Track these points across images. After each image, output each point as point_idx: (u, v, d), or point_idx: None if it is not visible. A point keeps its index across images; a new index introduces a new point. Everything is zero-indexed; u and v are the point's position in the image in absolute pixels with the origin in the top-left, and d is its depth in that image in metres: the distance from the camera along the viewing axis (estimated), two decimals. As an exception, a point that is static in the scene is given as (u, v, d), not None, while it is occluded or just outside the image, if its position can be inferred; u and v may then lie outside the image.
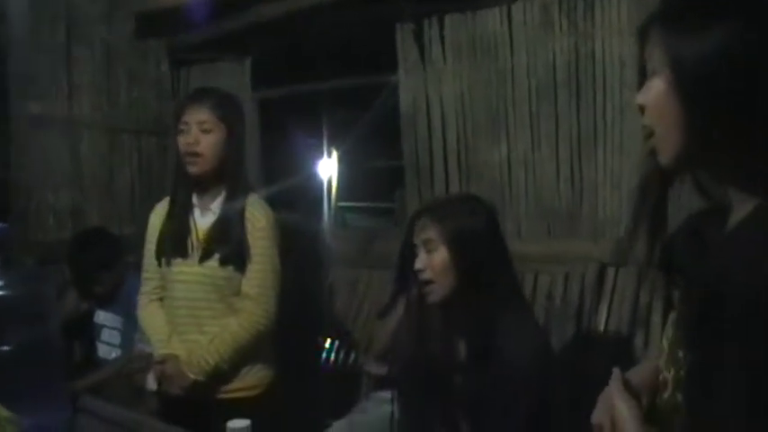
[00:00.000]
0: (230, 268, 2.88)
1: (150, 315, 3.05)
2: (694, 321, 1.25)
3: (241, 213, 2.91)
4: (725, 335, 1.15)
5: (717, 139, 1.20)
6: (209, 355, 2.84)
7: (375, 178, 6.68)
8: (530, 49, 3.77)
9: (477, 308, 2.39)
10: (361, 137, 5.46)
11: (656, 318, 3.37)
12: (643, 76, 1.31)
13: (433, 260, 2.43)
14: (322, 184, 5.45)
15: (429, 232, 2.44)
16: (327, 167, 5.58)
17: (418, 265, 2.45)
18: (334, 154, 5.64)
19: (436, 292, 2.44)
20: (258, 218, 2.91)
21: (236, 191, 2.95)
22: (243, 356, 2.89)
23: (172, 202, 3.06)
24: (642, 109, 1.29)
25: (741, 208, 1.23)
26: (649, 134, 1.29)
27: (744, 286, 1.12)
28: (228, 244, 2.89)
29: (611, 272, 3.54)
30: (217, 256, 2.89)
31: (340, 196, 5.84)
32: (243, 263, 2.89)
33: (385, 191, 6.67)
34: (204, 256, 2.91)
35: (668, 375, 1.33)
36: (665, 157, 1.27)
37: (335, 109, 5.70)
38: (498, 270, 2.46)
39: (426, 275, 2.44)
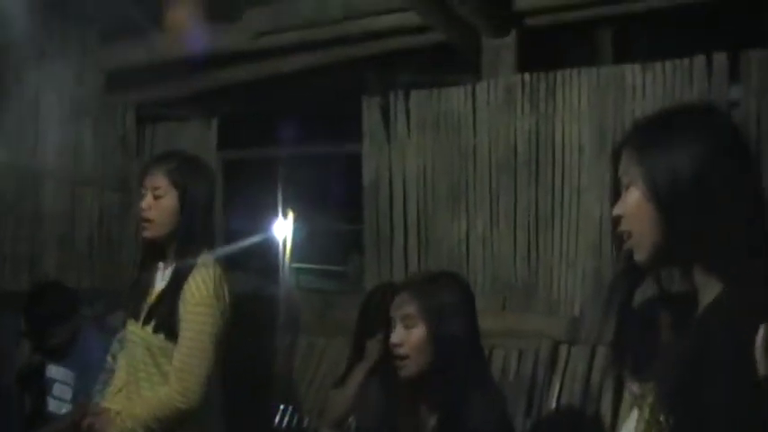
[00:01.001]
0: (161, 336, 2.86)
1: (116, 366, 3.11)
2: (674, 390, 1.40)
3: (180, 284, 2.88)
4: (701, 403, 1.32)
5: (687, 238, 1.43)
6: (129, 419, 2.81)
7: (329, 241, 6.73)
8: (492, 128, 3.87)
9: (450, 385, 2.43)
10: (318, 200, 5.53)
11: (608, 395, 3.43)
12: (615, 193, 1.54)
13: (411, 336, 2.45)
14: (278, 244, 5.48)
15: (408, 308, 2.47)
16: (283, 228, 5.62)
17: (395, 339, 2.48)
18: (290, 215, 5.68)
19: (410, 368, 2.46)
20: (193, 291, 2.82)
21: (183, 258, 2.93)
22: (167, 428, 2.84)
23: (140, 264, 3.08)
24: (618, 219, 1.52)
25: (707, 293, 1.43)
26: (627, 238, 1.51)
27: (717, 360, 1.31)
28: (161, 313, 2.88)
29: (563, 349, 3.61)
30: (153, 322, 2.89)
31: (293, 257, 5.86)
32: (173, 334, 2.85)
33: (338, 254, 6.72)
34: (146, 321, 2.91)
35: None
36: (643, 256, 1.48)
37: (294, 171, 5.76)
38: (471, 348, 2.51)
39: (402, 350, 2.46)
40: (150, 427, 2.79)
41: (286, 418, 4.19)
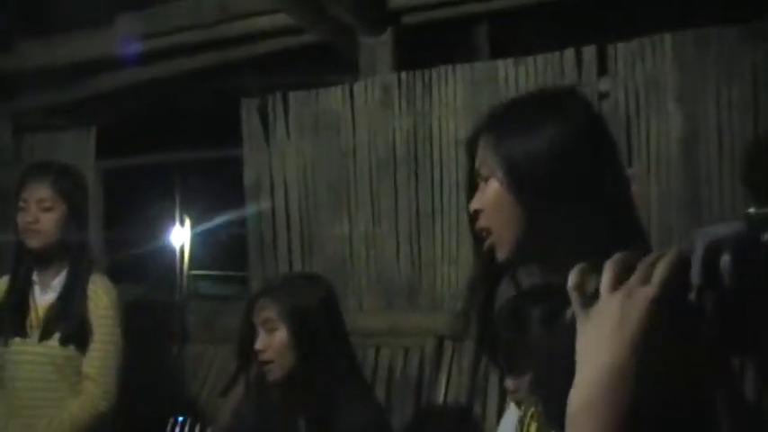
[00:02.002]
0: (71, 348, 2.82)
1: None
2: (547, 384, 1.36)
3: (83, 292, 2.86)
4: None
5: (549, 232, 1.33)
6: None
7: (227, 246, 6.65)
8: (371, 127, 3.87)
9: (316, 386, 2.43)
10: (213, 206, 5.45)
11: (494, 389, 3.47)
12: (472, 186, 1.43)
13: (273, 340, 2.46)
14: (174, 252, 5.39)
15: (268, 312, 2.48)
16: (180, 236, 5.53)
17: (258, 345, 2.48)
18: (187, 222, 5.59)
19: (275, 372, 2.47)
20: (101, 296, 2.87)
21: (79, 268, 2.91)
22: None
23: (12, 279, 2.99)
24: (477, 214, 1.40)
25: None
26: (487, 234, 1.39)
27: None
28: (70, 323, 2.83)
29: (449, 344, 3.63)
30: (57, 335, 2.83)
31: (192, 265, 5.77)
32: (84, 342, 2.83)
33: (237, 259, 6.64)
34: (44, 335, 2.84)
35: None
36: (504, 252, 1.38)
37: (187, 177, 5.67)
38: (337, 348, 2.51)
39: (267, 356, 2.47)
40: None
41: (178, 428, 4.12)
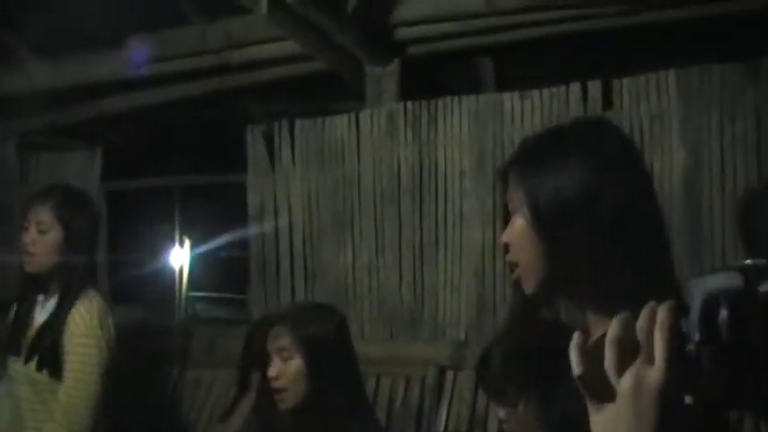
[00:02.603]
0: (45, 372, 2.81)
1: None
2: None
3: (65, 317, 2.85)
4: None
5: (573, 269, 1.31)
6: None
7: (226, 269, 6.65)
8: (375, 156, 3.89)
9: (328, 415, 2.43)
10: (214, 227, 5.46)
11: (494, 420, 3.46)
12: (507, 217, 1.41)
13: (288, 368, 2.46)
14: (174, 274, 5.39)
15: (283, 340, 2.47)
16: (179, 257, 5.53)
17: (272, 372, 2.48)
18: (186, 244, 5.60)
19: (288, 400, 2.47)
20: (78, 323, 2.83)
21: (67, 293, 2.90)
22: None
23: (17, 297, 3.01)
24: (507, 246, 1.39)
25: (597, 329, 1.29)
26: (514, 268, 1.39)
27: None
28: (44, 348, 2.83)
29: (450, 375, 3.63)
30: (36, 358, 2.83)
31: (191, 286, 5.78)
32: (57, 369, 2.81)
33: (237, 282, 6.65)
34: (28, 357, 2.85)
35: None
36: (529, 287, 1.36)
37: (188, 199, 5.68)
38: (349, 378, 2.52)
39: (280, 383, 2.46)
40: None
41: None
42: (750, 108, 3.28)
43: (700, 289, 0.90)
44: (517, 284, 1.41)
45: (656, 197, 1.41)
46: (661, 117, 3.42)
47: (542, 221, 1.32)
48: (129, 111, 4.60)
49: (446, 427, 3.57)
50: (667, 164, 3.39)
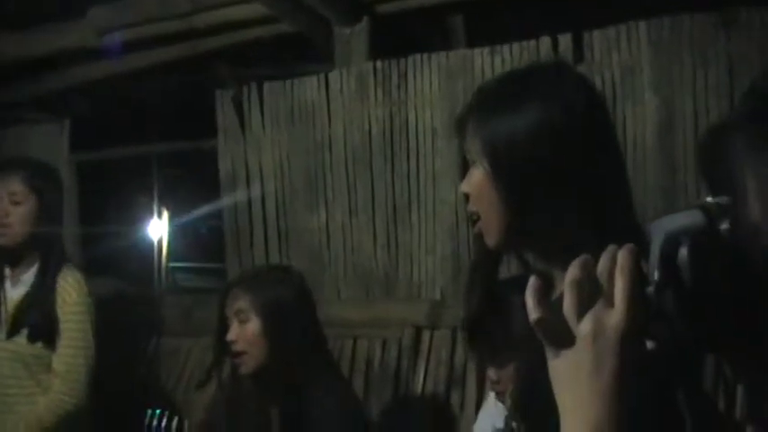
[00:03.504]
0: (39, 345, 2.80)
1: None
2: (523, 396, 1.34)
3: (52, 287, 2.84)
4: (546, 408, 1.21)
5: (534, 219, 1.28)
6: None
7: (205, 238, 6.63)
8: (346, 117, 3.85)
9: (290, 377, 2.42)
10: (191, 197, 5.43)
11: (472, 378, 3.47)
12: (465, 167, 1.38)
13: (246, 331, 2.45)
14: (153, 244, 5.36)
15: (240, 303, 2.46)
16: (158, 228, 5.50)
17: (230, 336, 2.47)
18: (165, 214, 5.56)
19: (248, 363, 2.46)
20: (69, 291, 2.84)
21: (49, 263, 2.89)
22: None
23: None
24: (467, 197, 1.36)
25: (560, 285, 1.26)
26: (476, 219, 1.36)
27: None
28: (37, 319, 2.81)
29: (426, 334, 3.62)
30: (25, 331, 2.81)
31: (171, 256, 5.75)
32: (52, 339, 2.80)
33: (216, 251, 6.63)
34: (12, 331, 2.82)
35: None
36: (491, 238, 1.34)
37: (165, 169, 5.63)
38: (310, 339, 2.50)
39: (239, 347, 2.45)
40: None
41: (155, 421, 4.10)
42: (722, 57, 3.25)
43: (660, 228, 0.88)
44: (479, 236, 1.38)
45: (616, 142, 1.38)
46: (632, 68, 3.39)
47: (500, 169, 1.29)
48: (96, 80, 4.53)
49: (424, 386, 3.56)
50: (640, 115, 3.37)
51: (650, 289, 0.86)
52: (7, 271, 2.97)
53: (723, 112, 3.25)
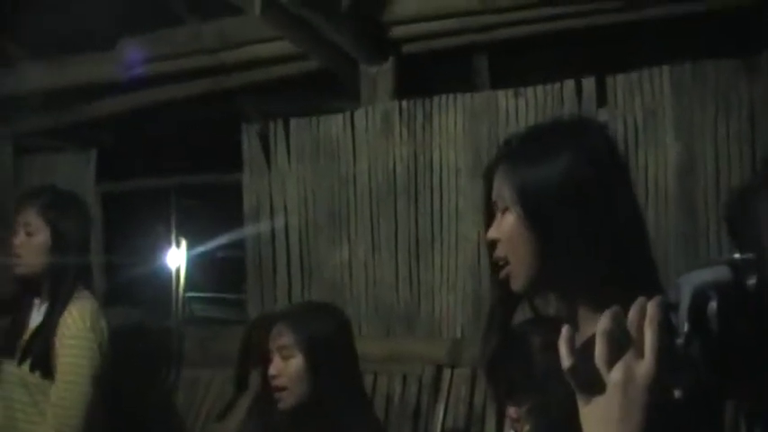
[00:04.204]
0: (38, 374, 2.81)
1: None
2: (551, 426, 1.34)
3: (56, 319, 2.84)
4: None
5: (565, 264, 1.33)
6: None
7: (224, 269, 6.64)
8: (371, 154, 3.90)
9: (328, 415, 2.42)
10: (210, 228, 5.46)
11: (491, 416, 3.47)
12: (489, 215, 1.43)
13: (289, 367, 2.44)
14: (170, 274, 5.38)
15: (285, 339, 2.46)
16: (176, 258, 5.53)
17: (273, 371, 2.47)
18: (183, 244, 5.59)
19: (288, 399, 2.46)
20: (69, 326, 2.82)
21: (57, 294, 2.89)
22: None
23: (13, 300, 3.00)
24: (493, 243, 1.40)
25: (587, 328, 1.32)
26: (503, 264, 1.40)
27: None
28: (36, 350, 2.83)
29: (447, 372, 3.64)
30: (29, 360, 2.83)
31: (188, 287, 5.77)
32: (49, 371, 2.81)
33: (233, 282, 6.65)
34: (21, 359, 2.85)
35: None
36: (519, 282, 1.38)
37: (184, 200, 5.68)
38: (350, 378, 2.51)
39: (280, 382, 2.46)
40: None
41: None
42: (744, 103, 3.29)
43: (689, 283, 0.91)
44: (503, 282, 1.42)
45: (634, 193, 1.45)
46: (655, 113, 3.43)
47: (534, 215, 1.34)
48: (123, 112, 4.60)
49: (443, 424, 3.57)
50: (662, 159, 3.40)
51: (680, 341, 0.90)
52: (36, 300, 3.00)
53: (744, 158, 3.28)
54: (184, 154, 4.72)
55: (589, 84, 3.52)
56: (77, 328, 2.81)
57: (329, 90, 4.25)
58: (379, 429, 2.64)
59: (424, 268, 3.77)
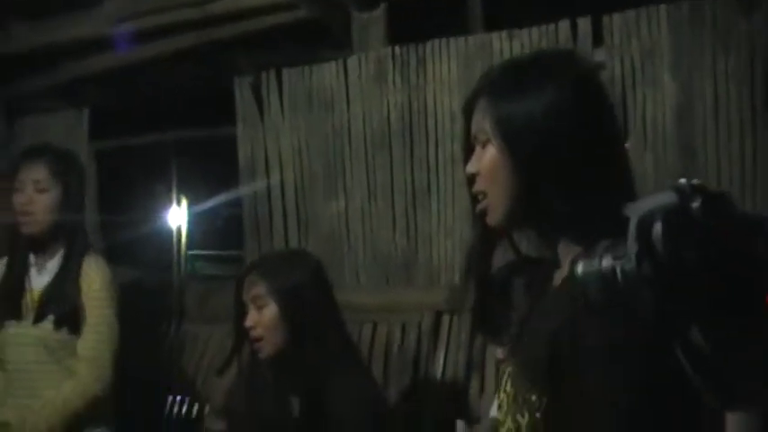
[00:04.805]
0: (64, 331, 2.82)
1: None
2: (534, 365, 1.34)
3: (76, 274, 2.86)
4: (568, 379, 1.26)
5: (544, 197, 1.32)
6: (42, 421, 2.77)
7: (225, 226, 6.64)
8: (365, 102, 3.85)
9: (308, 362, 2.43)
10: (210, 185, 5.43)
11: (491, 362, 3.47)
12: (468, 149, 1.43)
13: (263, 316, 2.46)
14: (171, 232, 5.37)
15: (258, 289, 2.48)
16: (177, 216, 5.51)
17: (248, 322, 2.48)
18: (183, 202, 5.57)
19: (266, 349, 2.47)
20: (93, 278, 2.86)
21: (73, 250, 2.91)
22: (78, 421, 2.82)
23: (9, 261, 2.99)
24: (473, 177, 1.41)
25: (565, 257, 1.34)
26: (482, 198, 1.40)
27: (571, 340, 1.25)
28: (62, 306, 2.83)
29: (446, 319, 3.62)
30: (51, 318, 2.83)
31: (189, 245, 5.76)
32: (77, 326, 2.83)
33: (235, 238, 6.65)
34: (38, 318, 2.85)
35: (522, 420, 1.38)
36: (496, 216, 1.38)
37: (183, 157, 5.64)
38: (328, 323, 2.51)
39: (257, 332, 2.47)
40: (65, 424, 2.77)
41: (176, 408, 4.14)
42: (743, 42, 3.23)
43: (637, 209, 0.97)
44: (481, 216, 1.42)
45: (619, 128, 1.49)
46: (652, 52, 3.37)
47: (515, 147, 1.34)
48: (114, 69, 4.54)
49: (444, 370, 3.57)
50: (659, 99, 3.36)
51: (629, 265, 0.95)
52: (33, 258, 2.99)
53: (743, 97, 3.24)
54: (178, 109, 4.67)
55: (585, 24, 3.46)
56: (101, 282, 2.89)
57: (321, 39, 4.19)
58: (365, 375, 2.64)
59: (421, 216, 3.74)
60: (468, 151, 1.44)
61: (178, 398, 4.17)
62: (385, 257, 3.81)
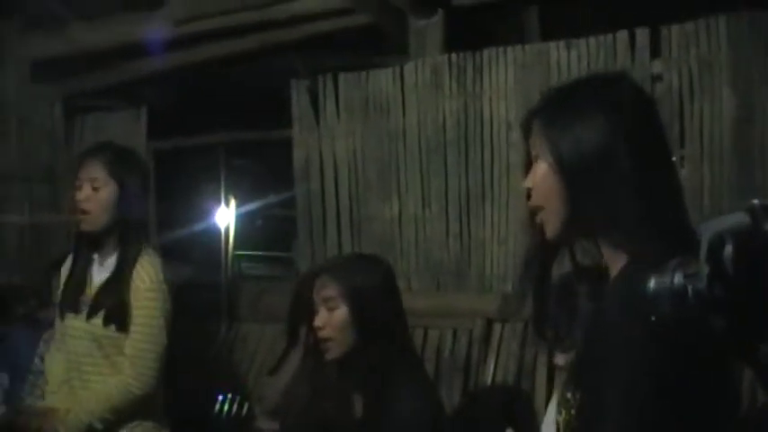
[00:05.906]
0: (113, 327, 2.86)
1: (48, 364, 3.06)
2: (577, 366, 1.42)
3: (129, 273, 2.89)
4: (599, 377, 1.32)
5: (592, 212, 1.40)
6: (84, 414, 2.82)
7: (272, 227, 6.70)
8: (420, 108, 3.87)
9: (373, 365, 2.45)
10: (259, 186, 5.49)
11: (542, 371, 3.47)
12: (528, 164, 1.51)
13: (333, 318, 2.47)
14: (219, 232, 5.43)
15: (329, 290, 2.49)
16: (225, 216, 5.57)
17: (318, 322, 2.50)
18: (232, 202, 5.63)
19: (334, 349, 2.49)
20: (143, 278, 2.88)
21: (128, 249, 2.94)
22: (119, 418, 2.86)
23: (73, 256, 3.05)
24: (529, 192, 1.49)
25: (614, 268, 1.41)
26: (537, 212, 1.48)
27: (609, 334, 1.32)
28: (111, 304, 2.87)
29: (497, 327, 3.64)
30: (102, 313, 2.88)
31: (237, 245, 5.82)
32: (124, 324, 2.86)
33: (281, 240, 6.70)
34: (91, 313, 2.89)
35: (560, 418, 1.43)
36: (552, 230, 1.45)
37: (233, 158, 5.71)
38: (395, 328, 2.53)
39: (326, 333, 2.49)
40: (106, 417, 2.80)
41: (226, 406, 4.18)
42: (802, 54, 3.21)
43: (708, 230, 0.97)
44: (539, 230, 1.50)
45: (668, 147, 1.50)
46: (710, 64, 3.36)
47: (565, 167, 1.42)
48: (172, 69, 4.61)
49: (494, 378, 3.58)
50: (717, 112, 3.34)
51: (701, 285, 0.96)
52: (95, 255, 3.04)
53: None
54: (234, 112, 4.73)
55: (643, 35, 3.46)
56: (152, 281, 2.88)
57: (378, 44, 4.23)
58: (425, 379, 2.66)
59: (475, 222, 3.76)
60: (528, 166, 1.52)
61: (228, 396, 4.20)
62: (437, 263, 3.83)
